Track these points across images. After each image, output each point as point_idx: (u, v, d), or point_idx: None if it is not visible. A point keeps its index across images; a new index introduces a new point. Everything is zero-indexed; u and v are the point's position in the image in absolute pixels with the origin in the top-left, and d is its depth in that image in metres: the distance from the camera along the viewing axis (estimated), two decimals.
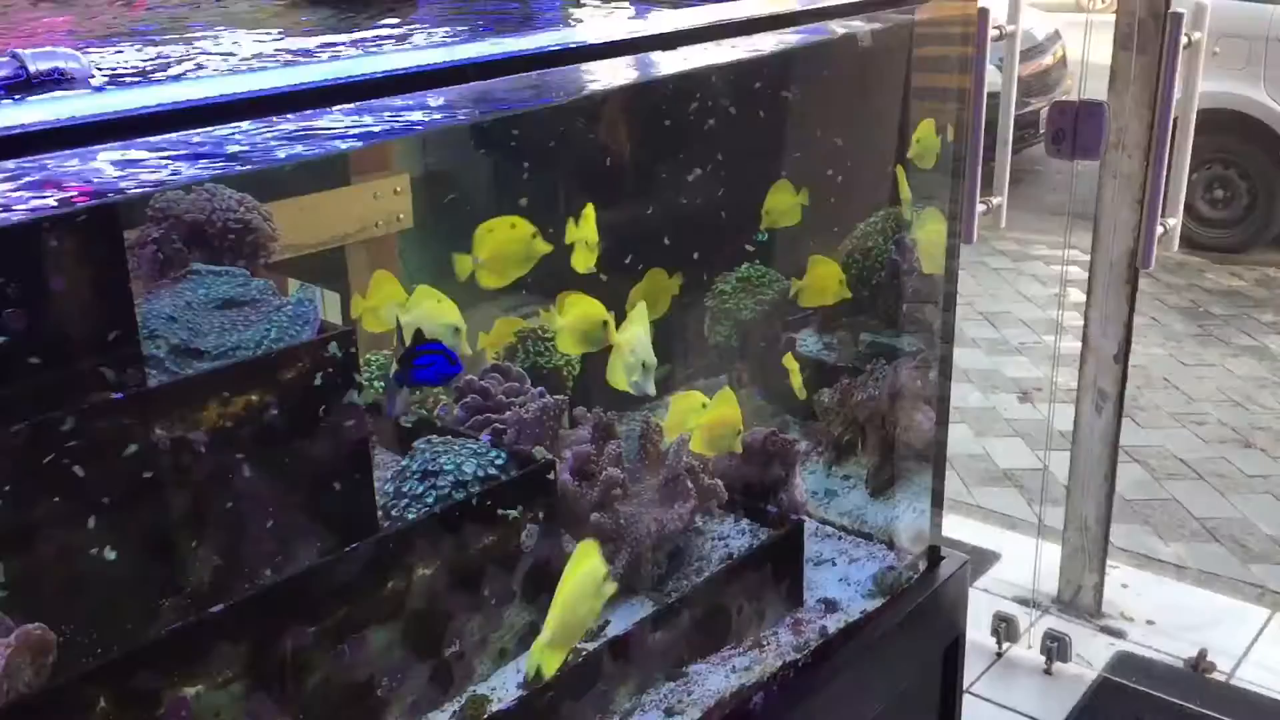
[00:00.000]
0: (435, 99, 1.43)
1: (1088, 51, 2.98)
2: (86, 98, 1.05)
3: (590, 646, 1.64)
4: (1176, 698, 2.71)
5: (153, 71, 1.20)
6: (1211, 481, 4.00)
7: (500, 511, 1.60)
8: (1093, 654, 2.90)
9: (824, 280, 2.16)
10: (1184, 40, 2.50)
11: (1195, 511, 3.79)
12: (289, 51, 1.32)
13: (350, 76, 1.16)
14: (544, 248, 1.58)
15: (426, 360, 1.45)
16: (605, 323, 1.60)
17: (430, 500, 1.56)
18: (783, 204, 2.08)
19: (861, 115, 2.34)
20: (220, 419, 1.38)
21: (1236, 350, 5.19)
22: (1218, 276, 6.20)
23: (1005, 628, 2.93)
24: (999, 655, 2.92)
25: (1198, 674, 2.81)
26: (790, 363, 2.15)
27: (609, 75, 1.71)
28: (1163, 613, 3.07)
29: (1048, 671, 2.85)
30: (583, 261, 1.64)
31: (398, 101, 1.27)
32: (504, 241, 1.54)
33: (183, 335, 1.43)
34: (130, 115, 1.04)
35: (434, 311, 1.51)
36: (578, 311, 1.59)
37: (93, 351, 1.31)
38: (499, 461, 1.62)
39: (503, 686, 1.60)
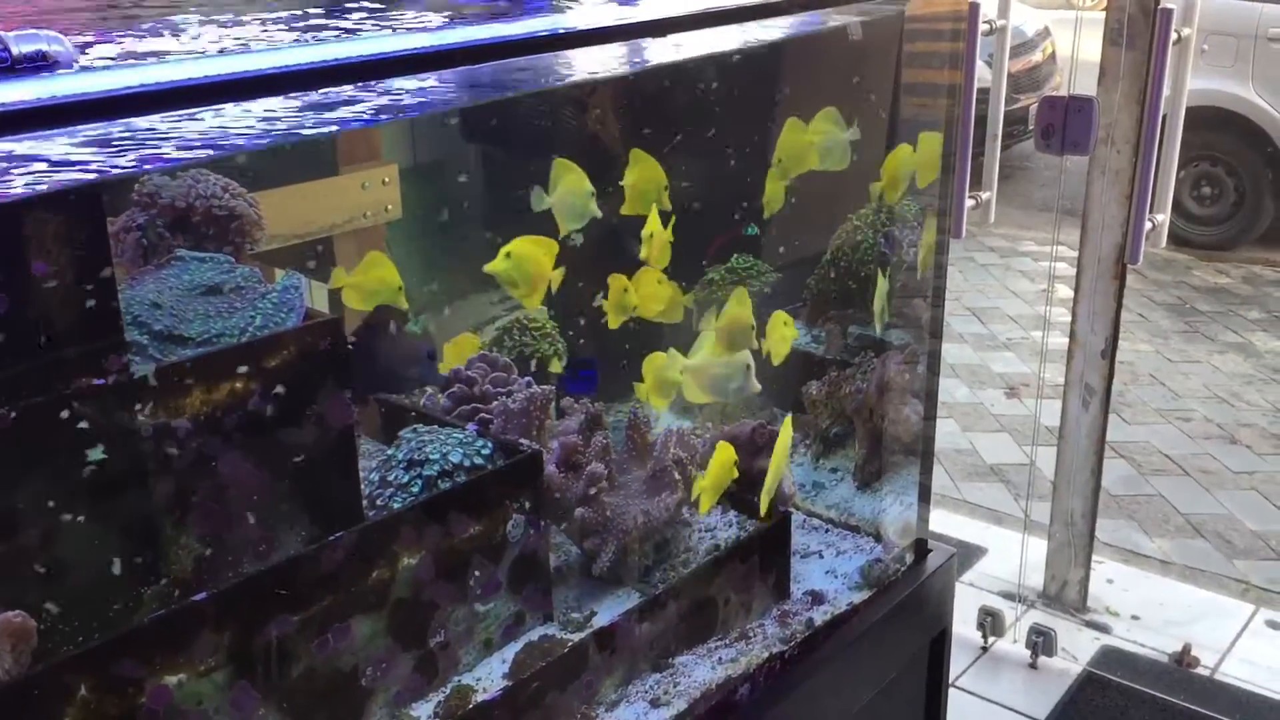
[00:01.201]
0: (425, 84, 1.42)
1: (1077, 48, 2.98)
2: (70, 77, 1.04)
3: (577, 637, 1.64)
4: (1161, 692, 2.72)
5: (138, 55, 1.18)
6: (1197, 477, 4.02)
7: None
8: (1078, 648, 2.91)
9: (903, 164, 2.10)
10: (1174, 36, 2.50)
11: (1180, 507, 3.81)
12: (275, 36, 1.31)
13: (338, 59, 1.15)
14: (666, 204, 1.79)
15: (588, 373, 1.70)
16: (752, 327, 1.78)
17: (416, 489, 1.55)
18: (778, 191, 2.06)
19: (851, 108, 2.33)
20: (204, 406, 1.36)
21: (1223, 347, 5.22)
22: (1204, 274, 6.23)
23: (991, 622, 2.94)
24: (984, 649, 2.93)
25: (1182, 669, 2.82)
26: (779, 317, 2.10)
27: (593, 64, 1.71)
28: (1147, 608, 3.09)
29: (1033, 666, 2.86)
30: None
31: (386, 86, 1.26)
32: (646, 177, 1.75)
33: (166, 321, 1.42)
34: (114, 96, 1.04)
35: (572, 185, 1.62)
36: (729, 316, 1.75)
37: (74, 337, 1.30)
38: (485, 451, 1.61)
39: (488, 677, 1.60)
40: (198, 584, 1.36)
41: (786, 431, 1.66)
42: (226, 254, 1.58)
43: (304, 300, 1.48)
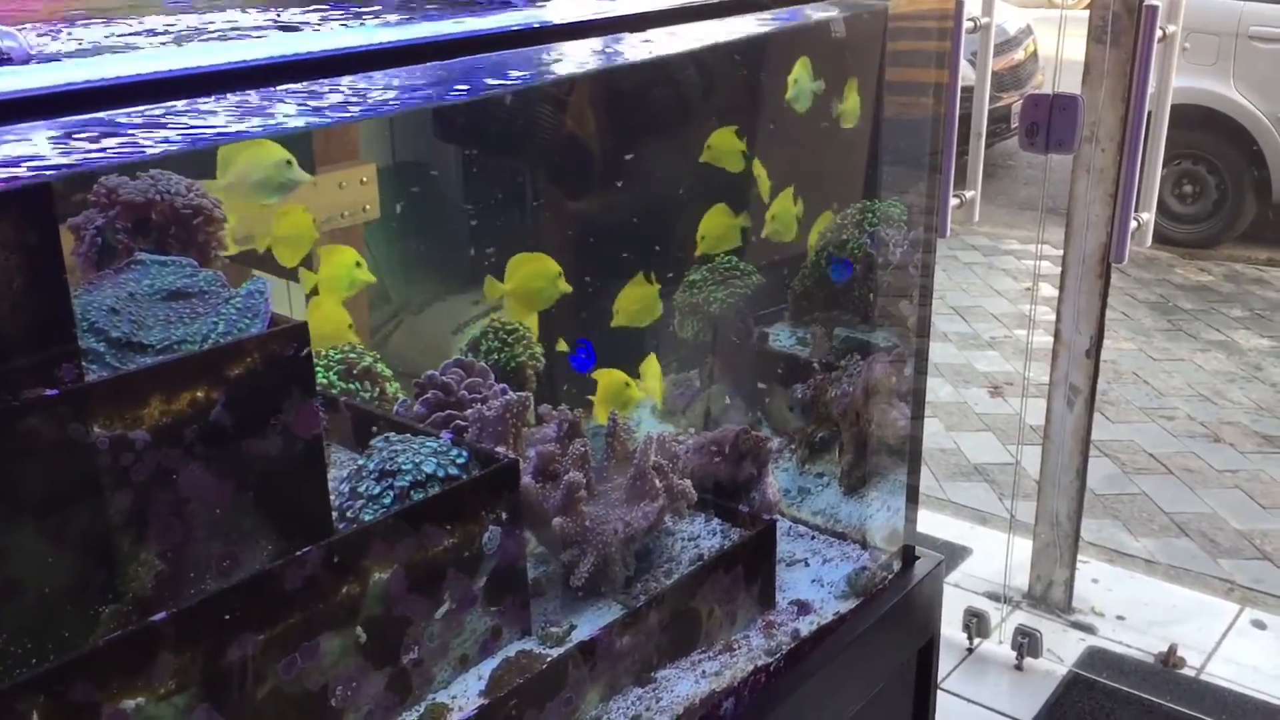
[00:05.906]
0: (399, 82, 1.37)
1: (1061, 46, 2.96)
2: (22, 72, 1.00)
3: (556, 652, 1.59)
4: (1146, 693, 2.70)
5: (98, 51, 1.13)
6: (1181, 476, 4.01)
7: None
8: (1063, 649, 2.89)
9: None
10: (1158, 33, 2.47)
11: (1165, 506, 3.80)
12: (238, 29, 1.26)
13: (298, 55, 1.10)
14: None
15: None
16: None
17: (388, 501, 1.49)
18: (720, 227, 2.10)
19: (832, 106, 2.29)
20: (163, 417, 1.31)
21: (1205, 345, 5.22)
22: (1187, 271, 6.23)
23: (976, 623, 2.92)
24: (970, 651, 2.90)
25: (1167, 669, 2.81)
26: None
27: (571, 61, 1.65)
28: (1133, 608, 3.07)
29: (1018, 667, 2.83)
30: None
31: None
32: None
33: (124, 328, 1.36)
34: (67, 90, 0.99)
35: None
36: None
37: (23, 345, 1.24)
38: (460, 460, 1.56)
39: (464, 694, 1.55)
40: (158, 602, 1.31)
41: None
42: (189, 256, 1.52)
43: (269, 305, 1.42)
